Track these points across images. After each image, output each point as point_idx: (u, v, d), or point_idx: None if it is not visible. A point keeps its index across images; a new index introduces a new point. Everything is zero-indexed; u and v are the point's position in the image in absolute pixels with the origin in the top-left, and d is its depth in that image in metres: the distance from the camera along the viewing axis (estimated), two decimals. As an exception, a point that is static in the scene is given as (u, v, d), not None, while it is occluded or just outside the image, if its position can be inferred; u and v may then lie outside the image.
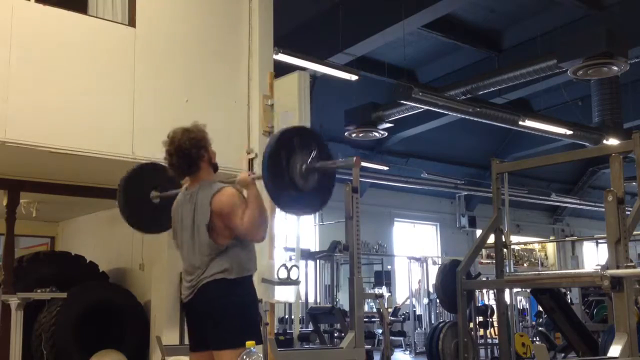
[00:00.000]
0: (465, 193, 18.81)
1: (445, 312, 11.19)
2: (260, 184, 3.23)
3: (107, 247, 7.97)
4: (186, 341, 3.54)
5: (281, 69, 7.20)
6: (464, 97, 11.79)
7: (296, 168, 3.19)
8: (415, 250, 17.27)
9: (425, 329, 12.82)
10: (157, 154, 5.22)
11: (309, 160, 3.21)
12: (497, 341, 9.11)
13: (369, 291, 12.43)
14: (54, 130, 5.32)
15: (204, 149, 3.34)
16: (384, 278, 15.13)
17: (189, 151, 3.27)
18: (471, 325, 8.88)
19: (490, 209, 7.88)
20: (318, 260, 12.50)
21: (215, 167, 3.46)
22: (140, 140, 5.71)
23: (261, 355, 3.04)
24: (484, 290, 12.61)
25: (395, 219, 18.31)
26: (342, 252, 11.79)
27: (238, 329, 3.18)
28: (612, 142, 12.38)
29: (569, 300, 10.97)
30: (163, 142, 3.35)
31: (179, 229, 3.43)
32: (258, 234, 3.24)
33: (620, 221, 5.27)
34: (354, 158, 3.23)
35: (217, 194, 3.24)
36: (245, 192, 3.29)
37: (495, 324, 10.01)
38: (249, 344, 2.95)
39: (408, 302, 13.99)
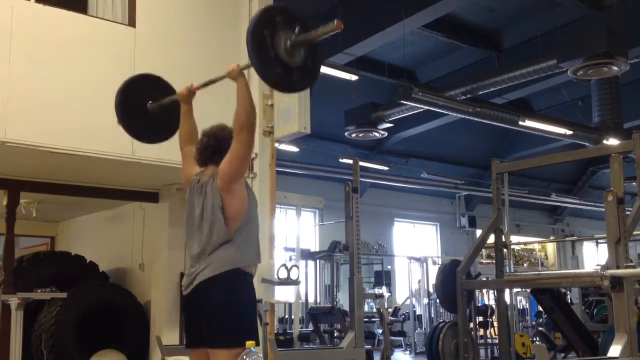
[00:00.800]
0: (465, 193, 18.81)
1: (445, 312, 11.19)
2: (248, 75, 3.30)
3: (107, 247, 7.97)
4: (185, 340, 3.54)
5: (281, 69, 7.19)
6: (464, 97, 11.79)
7: (280, 44, 3.14)
8: (415, 250, 17.28)
9: (425, 329, 12.82)
10: (157, 153, 5.25)
11: (293, 36, 3.17)
12: (497, 341, 9.11)
13: (369, 291, 12.43)
14: (54, 130, 5.32)
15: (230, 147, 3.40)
16: (384, 278, 15.13)
17: (221, 140, 3.38)
18: (471, 325, 8.88)
19: (490, 209, 7.89)
20: (318, 260, 12.50)
21: None
22: (140, 140, 5.71)
23: (261, 355, 3.04)
24: (484, 290, 12.61)
25: (395, 219, 18.32)
26: (342, 252, 11.79)
27: (234, 328, 3.18)
28: (612, 142, 12.38)
29: (569, 300, 10.97)
30: (203, 130, 3.48)
31: (190, 218, 3.45)
32: (244, 132, 3.24)
33: (620, 221, 5.27)
34: (335, 21, 3.19)
35: (216, 175, 3.31)
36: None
37: (495, 324, 10.01)
38: (249, 344, 2.95)
39: (408, 302, 13.99)
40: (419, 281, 13.85)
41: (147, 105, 3.97)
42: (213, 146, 3.39)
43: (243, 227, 3.31)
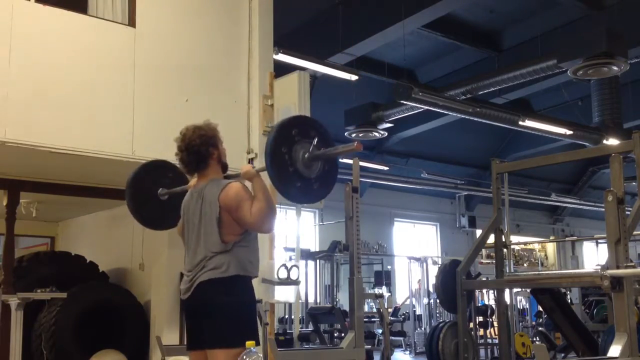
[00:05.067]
0: (465, 193, 18.81)
1: (444, 311, 11.19)
2: (264, 175, 3.26)
3: (107, 247, 7.97)
4: (186, 342, 3.54)
5: (281, 69, 7.20)
6: (464, 97, 11.79)
7: (299, 158, 3.19)
8: (415, 250, 17.28)
9: (425, 329, 12.81)
10: (156, 153, 5.24)
11: (311, 148, 3.21)
12: (497, 341, 9.11)
13: (369, 291, 12.43)
14: (54, 130, 5.32)
15: (213, 146, 3.39)
16: (384, 278, 15.13)
17: (199, 148, 3.33)
18: (471, 325, 8.88)
19: (490, 209, 7.88)
20: (318, 260, 12.50)
21: (224, 166, 3.50)
22: (140, 140, 5.72)
23: (261, 355, 3.04)
24: (484, 290, 12.61)
25: (395, 219, 18.32)
26: (342, 252, 11.82)
27: (233, 329, 3.18)
28: (612, 142, 12.38)
29: (569, 300, 10.97)
30: (175, 139, 3.42)
31: (186, 226, 3.45)
32: (267, 224, 3.26)
33: (620, 221, 5.27)
34: (355, 143, 3.24)
35: (224, 189, 3.27)
36: (250, 186, 3.31)
37: (495, 324, 10.01)
38: (249, 344, 2.95)
39: (408, 302, 13.98)
40: (419, 281, 13.86)
41: (157, 192, 4.04)
42: (195, 158, 3.35)
43: (242, 238, 3.30)
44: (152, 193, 4.05)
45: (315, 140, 3.24)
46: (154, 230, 4.46)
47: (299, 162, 3.19)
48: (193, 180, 3.54)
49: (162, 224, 4.20)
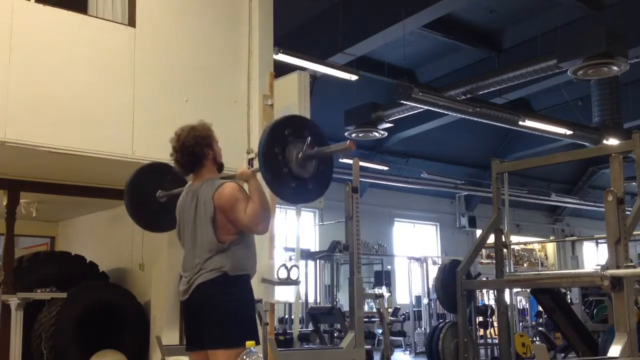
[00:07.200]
0: (465, 193, 18.81)
1: (444, 311, 11.18)
2: (260, 176, 3.25)
3: (107, 247, 7.97)
4: (185, 342, 3.54)
5: (281, 69, 7.20)
6: (464, 97, 11.79)
7: (292, 159, 3.17)
8: (415, 250, 17.28)
9: (425, 329, 12.81)
10: (156, 153, 5.24)
11: (304, 148, 3.19)
12: (497, 341, 9.11)
13: (369, 291, 12.43)
14: (54, 130, 5.32)
15: (208, 147, 3.39)
16: (384, 278, 15.14)
17: (193, 148, 3.33)
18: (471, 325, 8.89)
19: (490, 209, 7.89)
20: (318, 260, 12.51)
21: (220, 166, 3.49)
22: (140, 140, 5.71)
23: (261, 355, 3.04)
24: (484, 290, 12.61)
25: (395, 219, 18.32)
26: (342, 252, 11.80)
27: (233, 329, 3.18)
28: (612, 142, 12.38)
29: (569, 300, 10.97)
30: (170, 140, 3.42)
31: (182, 226, 3.44)
32: (261, 226, 3.25)
33: (620, 221, 5.26)
34: (348, 142, 3.23)
35: (219, 189, 3.26)
36: (246, 186, 3.31)
37: (495, 324, 10.00)
38: (249, 344, 2.95)
39: (408, 302, 13.99)
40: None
41: (155, 194, 4.04)
42: (190, 158, 3.36)
43: (238, 237, 3.30)
44: (150, 196, 4.04)
45: (309, 139, 3.22)
46: (154, 232, 4.46)
47: (293, 162, 3.17)
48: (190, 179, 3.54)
49: (161, 226, 4.20)
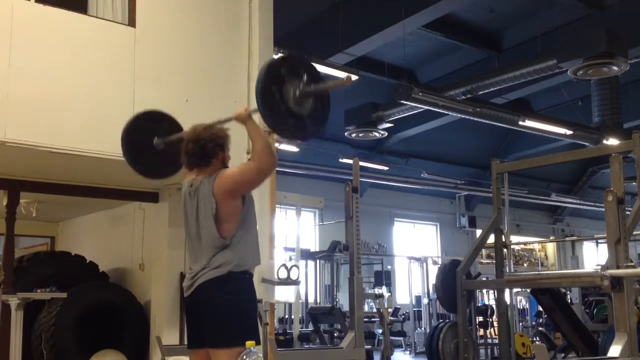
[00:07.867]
0: (465, 193, 18.81)
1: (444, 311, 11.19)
2: (256, 116, 3.28)
3: (107, 247, 7.97)
4: (186, 341, 3.55)
5: (281, 69, 7.19)
6: (464, 97, 11.79)
7: (290, 96, 3.17)
8: (415, 250, 17.28)
9: (425, 329, 12.82)
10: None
11: (301, 85, 3.19)
12: (497, 341, 9.11)
13: (369, 291, 12.43)
14: (54, 130, 5.32)
15: (220, 147, 3.44)
16: (384, 278, 15.14)
17: (206, 143, 3.38)
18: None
19: (490, 209, 7.89)
20: (318, 260, 12.52)
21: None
22: (140, 140, 5.70)
23: (261, 355, 3.04)
24: (484, 290, 12.61)
25: (395, 219, 18.32)
26: (342, 252, 11.82)
27: (235, 328, 3.19)
28: (612, 142, 12.39)
29: (569, 300, 10.97)
30: (184, 131, 3.48)
31: (185, 224, 3.46)
32: (270, 160, 3.25)
33: (620, 221, 5.27)
34: (345, 75, 3.25)
35: (216, 179, 3.31)
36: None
37: (495, 324, 10.01)
38: (249, 344, 2.95)
39: (408, 301, 13.99)
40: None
41: (152, 141, 4.00)
42: (200, 152, 3.39)
43: (240, 230, 3.32)
44: (147, 143, 3.99)
45: (305, 77, 3.22)
46: (154, 179, 4.37)
47: (290, 100, 3.17)
48: (188, 177, 3.53)
49: (160, 172, 4.16)
